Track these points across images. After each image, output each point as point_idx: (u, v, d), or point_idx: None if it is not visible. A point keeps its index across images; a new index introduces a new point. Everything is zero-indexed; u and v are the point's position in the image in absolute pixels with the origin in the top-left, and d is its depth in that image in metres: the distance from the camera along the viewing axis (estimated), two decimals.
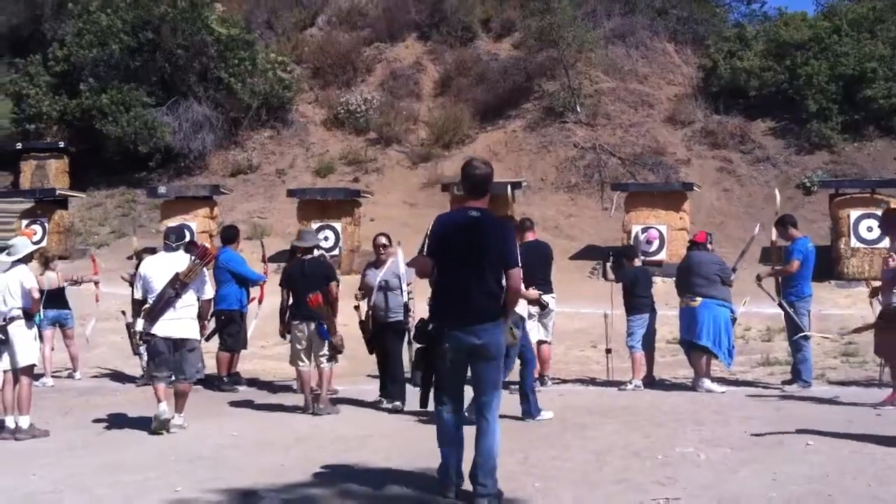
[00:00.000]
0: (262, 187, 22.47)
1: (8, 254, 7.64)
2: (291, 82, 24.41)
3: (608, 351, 9.94)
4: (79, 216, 21.11)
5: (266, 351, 11.82)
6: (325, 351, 8.24)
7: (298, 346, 8.31)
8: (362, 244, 17.27)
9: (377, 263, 8.73)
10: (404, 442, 5.86)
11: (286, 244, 18.57)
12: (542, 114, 23.47)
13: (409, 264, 8.05)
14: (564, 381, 9.97)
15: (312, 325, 8.21)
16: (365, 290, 8.70)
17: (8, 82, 24.20)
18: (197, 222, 18.17)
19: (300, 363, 8.32)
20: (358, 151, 23.21)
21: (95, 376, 10.82)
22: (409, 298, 8.49)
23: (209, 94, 23.35)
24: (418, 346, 5.48)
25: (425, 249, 5.31)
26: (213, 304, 8.59)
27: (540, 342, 9.35)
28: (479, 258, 5.04)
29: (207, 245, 9.15)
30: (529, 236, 9.59)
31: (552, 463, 5.92)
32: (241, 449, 6.73)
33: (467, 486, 5.04)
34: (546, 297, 8.95)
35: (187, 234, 9.99)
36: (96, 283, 11.03)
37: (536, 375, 9.28)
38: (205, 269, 7.79)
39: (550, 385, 9.46)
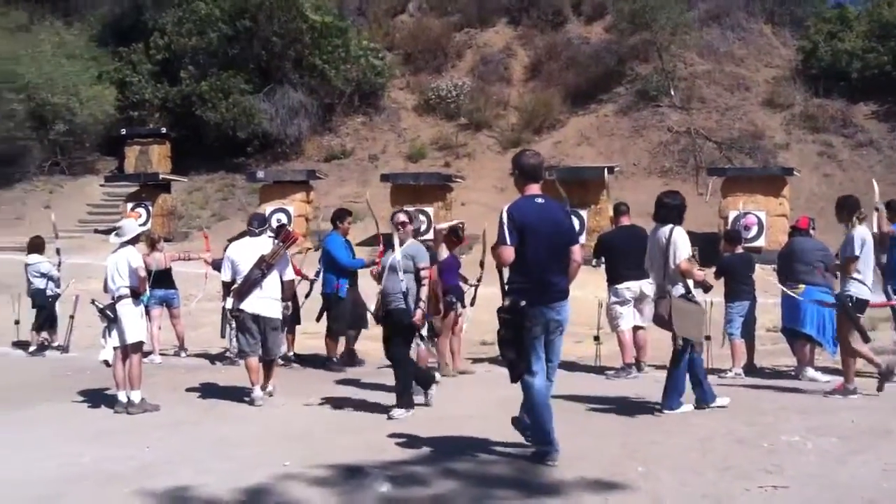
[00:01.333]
0: (355, 172, 22.82)
1: (116, 235, 7.97)
2: (383, 68, 24.68)
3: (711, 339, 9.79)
4: (181, 200, 21.81)
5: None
6: (423, 331, 8.35)
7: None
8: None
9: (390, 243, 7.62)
10: (506, 423, 5.90)
11: (383, 228, 18.97)
12: (634, 97, 23.17)
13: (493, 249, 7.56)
14: (662, 368, 9.86)
15: None
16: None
17: (112, 70, 25.13)
18: (294, 206, 18.62)
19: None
20: (449, 136, 23.35)
21: (199, 354, 11.20)
22: (421, 285, 7.42)
23: (304, 80, 23.81)
24: (505, 324, 5.63)
25: (507, 238, 5.52)
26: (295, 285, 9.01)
27: (636, 328, 9.28)
28: (555, 239, 5.55)
29: (290, 229, 9.40)
30: (624, 220, 9.55)
31: (653, 448, 5.89)
32: (344, 427, 6.89)
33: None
34: (641, 283, 8.91)
35: (272, 220, 10.21)
36: (206, 261, 11.23)
37: (632, 361, 9.25)
38: (287, 251, 8.32)
39: (648, 371, 9.37)
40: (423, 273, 7.37)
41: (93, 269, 14.11)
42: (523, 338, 5.49)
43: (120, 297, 7.76)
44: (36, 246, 11.80)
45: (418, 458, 5.74)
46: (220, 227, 19.97)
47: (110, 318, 7.73)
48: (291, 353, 10.31)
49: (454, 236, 9.58)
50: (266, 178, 19.77)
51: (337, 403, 7.87)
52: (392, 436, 6.44)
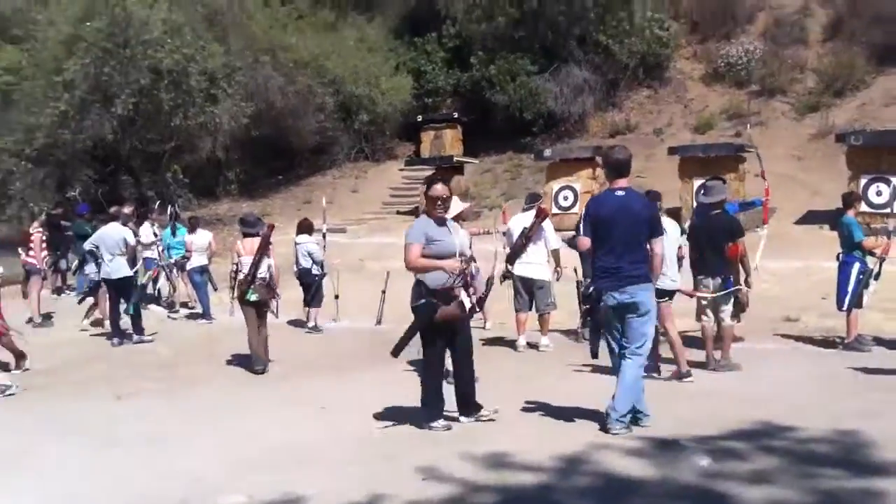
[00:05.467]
0: (640, 146, 22.51)
1: None
2: (668, 39, 24.17)
3: None
4: (472, 181, 22.82)
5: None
6: (729, 307, 8.28)
7: (703, 302, 8.45)
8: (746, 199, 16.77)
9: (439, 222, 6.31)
10: (819, 401, 5.77)
11: (668, 202, 18.71)
12: None
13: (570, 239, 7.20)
14: None
15: (718, 280, 8.29)
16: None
17: (408, 60, 26.69)
18: (580, 183, 18.87)
19: (704, 318, 8.46)
20: (739, 105, 22.42)
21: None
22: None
23: (588, 57, 23.94)
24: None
25: (582, 230, 6.25)
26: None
27: None
28: (631, 230, 5.95)
29: (543, 206, 10.20)
30: None
31: None
32: (652, 400, 6.89)
33: None
34: None
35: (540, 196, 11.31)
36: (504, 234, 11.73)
37: None
38: (543, 224, 9.83)
39: None
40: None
41: (396, 248, 15.25)
42: (597, 320, 6.20)
43: None
44: (306, 227, 12.54)
45: (732, 433, 5.74)
46: (509, 206, 20.67)
47: None
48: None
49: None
50: (553, 156, 20.16)
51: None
52: (703, 411, 6.50)
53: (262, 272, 9.52)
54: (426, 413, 6.25)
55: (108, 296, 11.68)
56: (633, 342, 6.04)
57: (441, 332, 6.23)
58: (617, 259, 5.95)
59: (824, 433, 5.59)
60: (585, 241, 6.16)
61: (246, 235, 9.98)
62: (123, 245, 11.29)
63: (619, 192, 6.05)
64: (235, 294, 9.72)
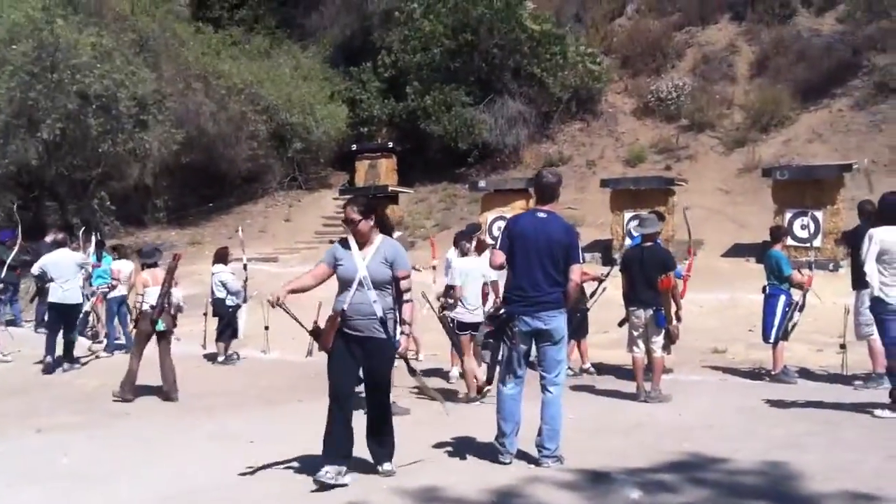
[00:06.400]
0: (573, 178, 22.81)
1: None
2: (601, 73, 24.57)
3: None
4: (407, 210, 22.79)
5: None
6: (660, 339, 8.35)
7: (635, 333, 8.51)
8: (676, 233, 17.10)
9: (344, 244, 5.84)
10: (747, 433, 5.82)
11: (599, 234, 18.98)
12: (872, 90, 21.60)
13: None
14: None
15: (650, 312, 8.36)
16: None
17: (343, 89, 26.66)
18: (514, 213, 18.97)
19: (635, 349, 8.51)
20: (669, 139, 22.87)
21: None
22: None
23: (522, 90, 24.19)
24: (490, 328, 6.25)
25: (499, 245, 6.10)
26: None
27: None
28: (547, 253, 5.83)
29: (483, 237, 10.21)
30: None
31: None
32: (582, 432, 6.97)
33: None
34: None
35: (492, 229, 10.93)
36: (433, 268, 11.73)
37: (884, 371, 8.75)
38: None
39: None
40: (403, 283, 5.76)
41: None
42: (501, 344, 5.98)
43: None
44: (220, 256, 12.48)
45: (665, 465, 5.76)
46: (442, 236, 20.68)
47: None
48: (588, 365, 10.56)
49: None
50: (487, 186, 20.28)
51: (572, 408, 7.93)
52: (634, 443, 6.50)
53: (174, 300, 9.64)
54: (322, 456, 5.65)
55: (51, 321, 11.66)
56: (549, 371, 5.97)
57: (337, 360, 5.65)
58: (531, 282, 5.88)
59: (753, 465, 5.63)
60: (499, 255, 6.06)
61: (146, 266, 10.03)
62: (79, 270, 11.46)
63: (541, 214, 6.02)
64: (134, 326, 9.82)
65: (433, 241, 10.20)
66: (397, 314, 5.72)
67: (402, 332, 5.76)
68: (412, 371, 6.27)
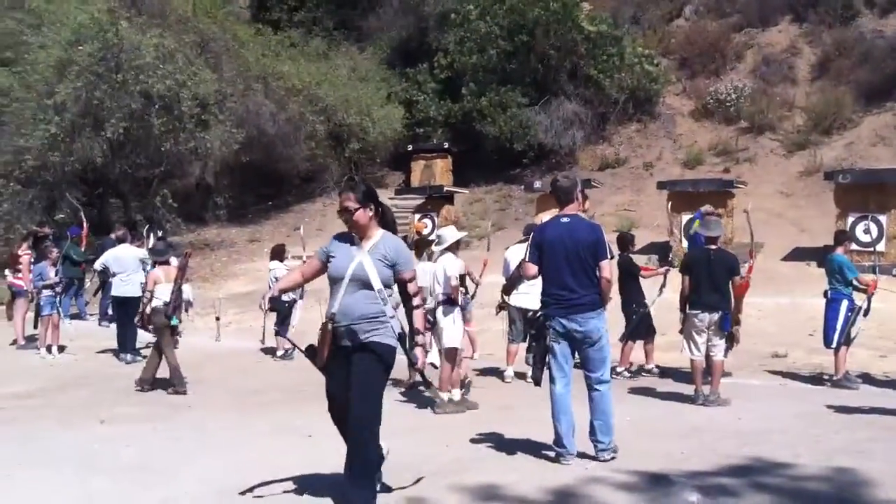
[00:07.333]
0: (629, 180, 22.70)
1: (437, 244, 8.57)
2: (658, 75, 24.36)
3: None
4: (462, 210, 22.85)
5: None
6: (722, 342, 8.27)
7: (696, 335, 8.43)
8: (735, 236, 16.91)
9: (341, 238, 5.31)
10: (808, 438, 5.73)
11: (656, 236, 18.80)
12: None
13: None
14: None
15: (716, 316, 8.27)
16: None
17: (400, 90, 26.82)
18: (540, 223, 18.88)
19: (694, 352, 8.44)
20: (728, 141, 22.58)
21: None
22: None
23: (578, 91, 24.08)
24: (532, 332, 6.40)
25: (528, 257, 6.24)
26: None
27: None
28: (576, 255, 5.94)
29: None
30: None
31: None
32: (641, 434, 6.94)
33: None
34: None
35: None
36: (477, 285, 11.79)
37: None
38: None
39: None
40: (410, 287, 5.12)
41: None
42: (543, 347, 6.08)
43: (439, 304, 8.31)
44: (277, 252, 12.64)
45: (724, 469, 5.71)
46: (498, 236, 20.66)
47: (431, 323, 8.17)
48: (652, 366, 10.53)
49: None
50: (543, 187, 20.21)
51: (631, 411, 7.86)
52: (692, 446, 6.45)
53: (185, 296, 9.84)
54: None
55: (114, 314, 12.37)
56: (594, 370, 6.07)
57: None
58: (563, 286, 6.00)
59: (816, 471, 5.56)
60: (531, 267, 6.20)
61: (158, 264, 10.17)
62: (140, 265, 11.80)
63: (565, 220, 6.10)
64: (146, 322, 9.91)
65: (486, 262, 10.26)
66: (404, 326, 4.97)
67: (416, 344, 5.02)
68: (427, 384, 6.38)
